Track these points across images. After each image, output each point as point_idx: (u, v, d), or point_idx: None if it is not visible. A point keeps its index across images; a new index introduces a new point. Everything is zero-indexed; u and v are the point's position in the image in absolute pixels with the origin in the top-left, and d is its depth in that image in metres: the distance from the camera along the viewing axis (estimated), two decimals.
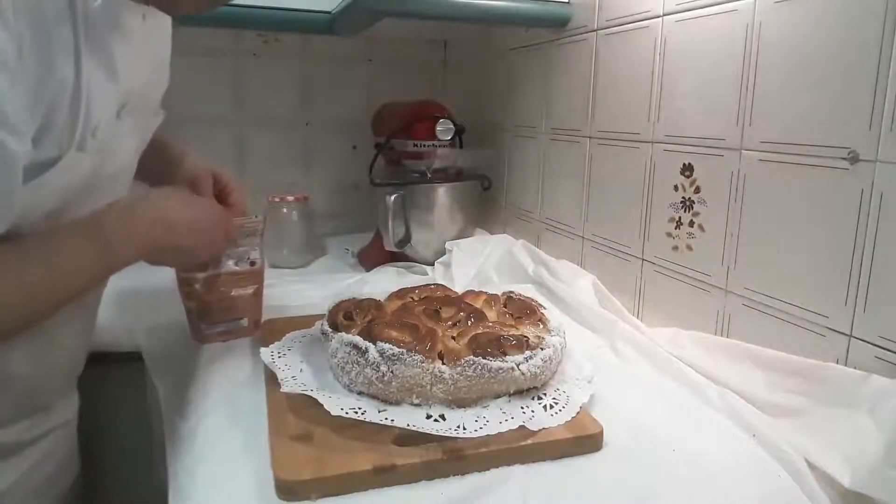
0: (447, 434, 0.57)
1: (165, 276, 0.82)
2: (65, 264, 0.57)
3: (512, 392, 0.64)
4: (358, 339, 0.63)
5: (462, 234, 1.26)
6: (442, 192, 1.23)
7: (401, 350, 0.61)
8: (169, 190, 0.71)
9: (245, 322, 0.83)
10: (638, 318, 0.91)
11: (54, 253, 0.57)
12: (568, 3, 1.07)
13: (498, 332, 0.67)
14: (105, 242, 0.59)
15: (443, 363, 0.62)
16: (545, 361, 0.65)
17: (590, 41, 1.02)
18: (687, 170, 0.83)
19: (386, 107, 1.41)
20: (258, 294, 0.84)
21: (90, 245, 0.59)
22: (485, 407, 0.62)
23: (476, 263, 1.16)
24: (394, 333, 0.64)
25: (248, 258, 0.81)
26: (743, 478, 0.57)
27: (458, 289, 0.91)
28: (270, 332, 0.79)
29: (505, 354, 0.63)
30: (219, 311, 0.81)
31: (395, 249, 1.21)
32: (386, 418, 0.59)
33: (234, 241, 0.79)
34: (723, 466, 0.58)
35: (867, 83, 0.59)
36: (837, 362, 0.64)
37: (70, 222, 0.59)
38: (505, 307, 0.78)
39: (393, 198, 1.17)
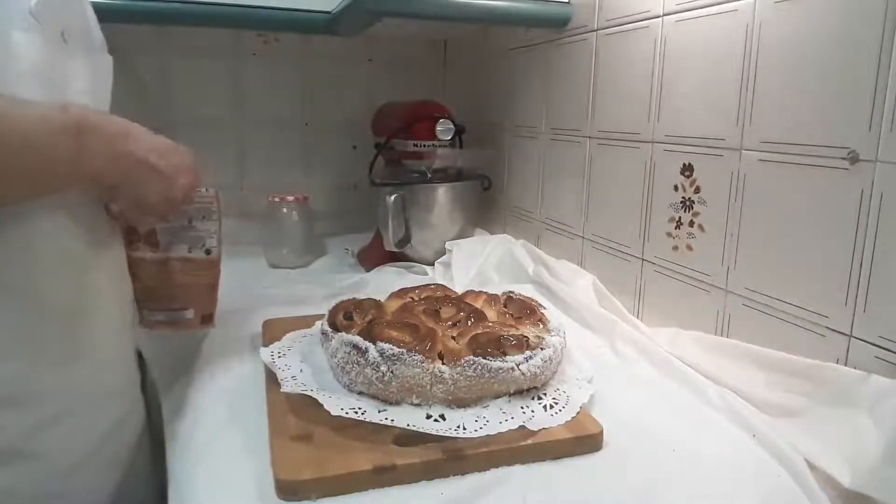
0: (447, 434, 0.57)
1: None
2: (33, 127, 0.53)
3: (512, 392, 0.64)
4: (358, 339, 0.63)
5: (462, 234, 1.26)
6: (442, 192, 1.23)
7: (401, 350, 0.61)
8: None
9: (190, 314, 0.76)
10: (638, 318, 0.91)
11: (21, 113, 0.52)
12: (568, 3, 1.07)
13: (498, 332, 0.67)
14: (73, 121, 0.55)
15: (443, 363, 0.62)
16: (545, 361, 0.65)
17: (590, 41, 1.02)
18: (687, 170, 0.83)
19: (386, 107, 1.41)
20: (212, 286, 0.77)
21: (57, 115, 0.54)
22: (485, 407, 0.62)
23: (476, 263, 1.16)
24: (394, 333, 0.64)
25: (204, 245, 0.74)
26: (743, 478, 0.57)
27: (458, 289, 0.91)
28: (270, 332, 0.79)
29: (505, 354, 0.63)
30: (162, 298, 0.75)
31: (395, 249, 1.21)
32: (386, 418, 0.59)
33: (191, 206, 0.72)
34: (723, 466, 0.58)
35: (867, 83, 0.59)
36: (837, 362, 0.64)
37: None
38: (505, 307, 0.78)
39: (393, 198, 1.17)
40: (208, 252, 0.75)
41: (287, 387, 0.63)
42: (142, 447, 0.75)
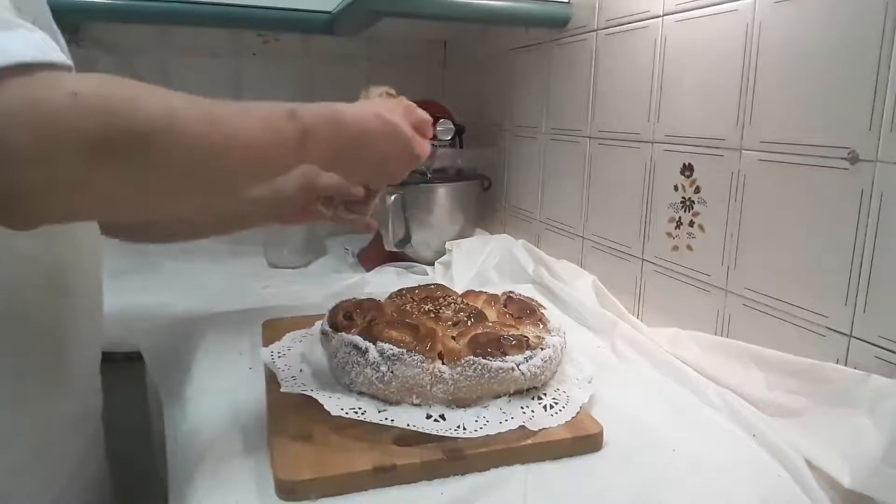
0: (447, 434, 0.57)
1: (164, 277, 0.81)
2: (258, 136, 0.48)
3: (512, 392, 0.64)
4: (358, 339, 0.63)
5: (462, 234, 1.26)
6: (442, 192, 1.23)
7: (401, 350, 0.61)
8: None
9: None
10: (638, 318, 0.91)
11: (246, 123, 0.48)
12: (568, 3, 1.07)
13: (498, 332, 0.67)
14: (299, 132, 0.51)
15: (443, 363, 0.62)
16: (545, 361, 0.65)
17: (590, 41, 1.02)
18: (687, 170, 0.83)
19: None
20: None
21: (284, 124, 0.50)
22: (485, 407, 0.62)
23: (476, 263, 1.16)
24: (394, 333, 0.64)
25: None
26: (743, 478, 0.57)
27: (458, 289, 0.91)
28: (270, 332, 0.79)
29: (505, 354, 0.63)
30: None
31: (395, 249, 1.21)
32: (386, 418, 0.59)
33: None
34: (723, 466, 0.58)
35: (867, 83, 0.59)
36: (837, 362, 0.64)
37: None
38: (505, 307, 0.77)
39: (393, 198, 1.17)
40: None
41: (287, 387, 0.63)
42: (102, 471, 0.74)
